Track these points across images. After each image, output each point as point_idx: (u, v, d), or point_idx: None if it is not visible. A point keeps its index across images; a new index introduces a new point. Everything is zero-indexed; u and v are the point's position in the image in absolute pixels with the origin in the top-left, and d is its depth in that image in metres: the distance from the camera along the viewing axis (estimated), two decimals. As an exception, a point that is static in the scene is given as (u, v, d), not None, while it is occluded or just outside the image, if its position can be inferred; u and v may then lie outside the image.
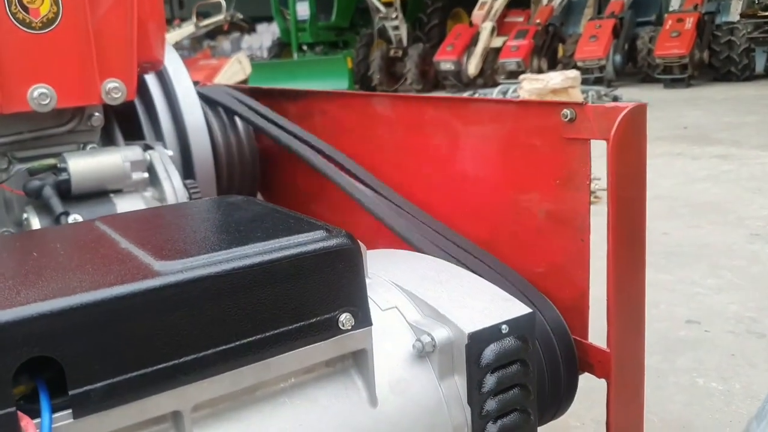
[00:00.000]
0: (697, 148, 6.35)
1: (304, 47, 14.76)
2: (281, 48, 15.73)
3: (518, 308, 0.95)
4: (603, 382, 1.10)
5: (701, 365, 2.51)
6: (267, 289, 0.74)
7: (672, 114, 8.16)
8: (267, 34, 17.29)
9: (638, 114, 1.04)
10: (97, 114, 1.42)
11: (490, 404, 0.90)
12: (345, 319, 0.80)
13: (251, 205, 0.96)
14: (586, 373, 1.14)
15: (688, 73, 10.61)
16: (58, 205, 1.27)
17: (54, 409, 0.64)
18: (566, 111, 1.10)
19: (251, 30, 17.26)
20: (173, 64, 1.66)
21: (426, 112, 1.42)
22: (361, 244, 0.83)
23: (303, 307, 0.77)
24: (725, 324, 2.82)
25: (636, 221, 1.08)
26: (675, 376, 2.44)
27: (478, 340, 0.89)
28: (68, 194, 1.31)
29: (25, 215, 1.29)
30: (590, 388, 1.21)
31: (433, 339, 0.89)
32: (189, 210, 0.97)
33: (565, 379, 1.07)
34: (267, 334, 0.74)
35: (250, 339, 0.73)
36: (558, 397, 1.07)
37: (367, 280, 0.85)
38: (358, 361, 0.85)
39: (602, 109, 1.06)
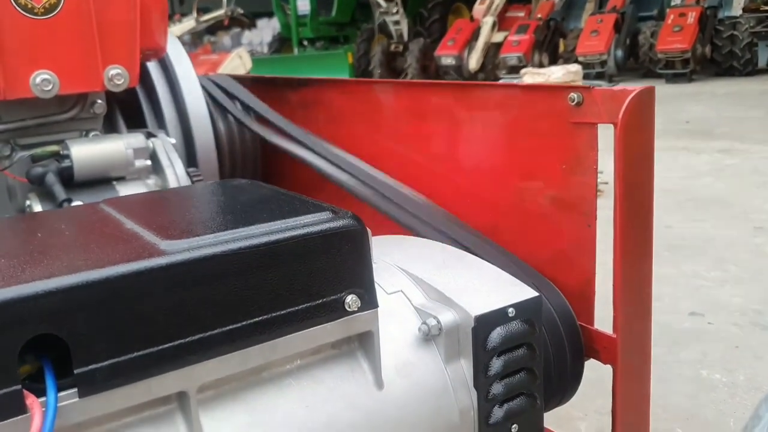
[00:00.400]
0: (700, 142, 6.34)
1: (305, 42, 14.74)
2: (282, 43, 15.71)
3: (525, 292, 0.94)
4: (606, 373, 1.09)
5: (705, 357, 2.51)
6: (273, 270, 0.73)
7: (674, 109, 8.14)
8: (267, 29, 17.26)
9: (646, 97, 1.03)
10: (99, 101, 1.41)
11: (497, 387, 0.89)
12: (351, 300, 0.79)
13: (256, 187, 0.95)
14: (590, 363, 1.14)
15: (690, 68, 10.58)
16: (60, 192, 1.26)
17: (59, 388, 0.64)
18: (573, 95, 1.09)
19: (252, 25, 17.23)
20: (175, 52, 1.65)
21: (429, 99, 1.41)
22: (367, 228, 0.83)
23: (309, 288, 0.76)
24: (729, 316, 2.81)
25: (643, 206, 1.07)
26: (679, 368, 2.44)
27: (485, 323, 0.88)
28: (71, 181, 1.31)
29: (27, 202, 1.28)
30: (594, 379, 1.20)
31: (439, 322, 0.89)
32: (194, 192, 0.96)
33: (571, 365, 1.06)
34: (273, 314, 0.74)
35: (257, 319, 0.72)
36: (564, 383, 1.07)
37: (373, 265, 0.84)
38: (364, 343, 0.84)
39: (610, 93, 1.05)
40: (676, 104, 8.51)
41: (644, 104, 1.04)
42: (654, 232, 1.10)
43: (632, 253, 1.06)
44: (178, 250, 0.69)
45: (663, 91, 9.73)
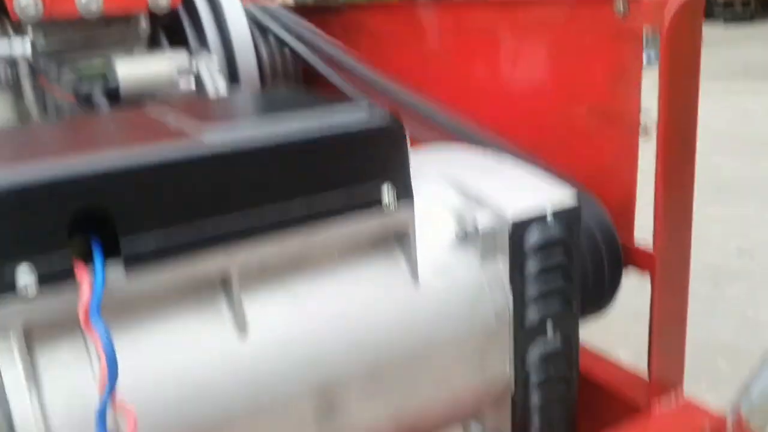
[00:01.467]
0: (758, 85, 6.09)
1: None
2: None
3: (563, 194, 0.94)
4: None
5: (752, 296, 2.47)
6: (311, 157, 0.75)
7: (732, 51, 7.80)
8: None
9: (694, 4, 1.00)
10: (143, 22, 1.43)
11: (532, 288, 0.90)
12: (387, 192, 0.80)
13: (296, 92, 0.97)
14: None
15: (751, 7, 10.08)
16: (107, 109, 1.29)
17: (106, 264, 0.67)
18: (620, 4, 1.07)
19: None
20: (217, -26, 1.64)
21: (473, 18, 1.39)
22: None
23: (346, 179, 0.78)
24: (778, 256, 2.75)
25: (687, 117, 1.04)
26: (724, 304, 2.41)
27: (522, 224, 0.89)
28: (117, 100, 1.34)
29: (76, 119, 1.32)
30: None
31: (475, 223, 0.89)
32: (237, 94, 0.98)
33: (609, 272, 1.06)
34: (311, 200, 0.75)
35: (295, 204, 0.74)
36: (601, 290, 1.07)
37: (410, 167, 0.84)
38: (401, 240, 0.85)
39: (656, 0, 1.03)
40: (734, 47, 8.15)
41: (692, 10, 1.00)
42: (701, 173, 1.08)
43: (674, 163, 1.04)
44: (220, 135, 0.71)
45: (720, 33, 9.33)
